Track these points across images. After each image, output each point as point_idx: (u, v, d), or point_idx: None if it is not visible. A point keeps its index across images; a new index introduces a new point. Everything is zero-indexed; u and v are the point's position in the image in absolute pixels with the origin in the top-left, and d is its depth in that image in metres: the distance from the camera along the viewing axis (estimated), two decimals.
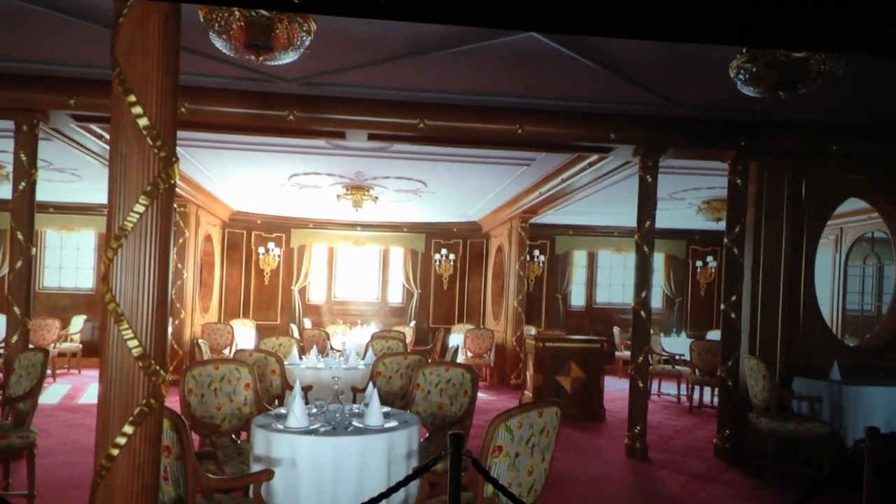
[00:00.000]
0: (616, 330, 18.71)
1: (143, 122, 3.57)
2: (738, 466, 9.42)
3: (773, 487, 8.43)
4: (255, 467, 5.27)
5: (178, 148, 4.76)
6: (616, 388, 15.48)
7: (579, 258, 21.18)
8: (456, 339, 17.98)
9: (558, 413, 4.60)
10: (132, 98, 3.57)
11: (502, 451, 4.28)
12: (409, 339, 17.25)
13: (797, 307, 9.99)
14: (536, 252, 20.50)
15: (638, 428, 9.84)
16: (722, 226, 10.20)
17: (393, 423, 5.58)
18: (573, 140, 9.77)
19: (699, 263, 21.02)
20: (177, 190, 14.32)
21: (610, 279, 21.29)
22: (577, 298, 21.23)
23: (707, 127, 9.67)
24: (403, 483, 4.01)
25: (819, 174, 10.02)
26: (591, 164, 11.37)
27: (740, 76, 6.35)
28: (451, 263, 20.97)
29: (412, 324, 20.31)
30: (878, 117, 9.36)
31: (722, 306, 10.09)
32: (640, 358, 9.87)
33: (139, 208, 3.55)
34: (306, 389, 8.72)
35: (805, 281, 10.02)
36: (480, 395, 14.86)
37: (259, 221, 20.33)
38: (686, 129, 9.66)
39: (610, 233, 20.47)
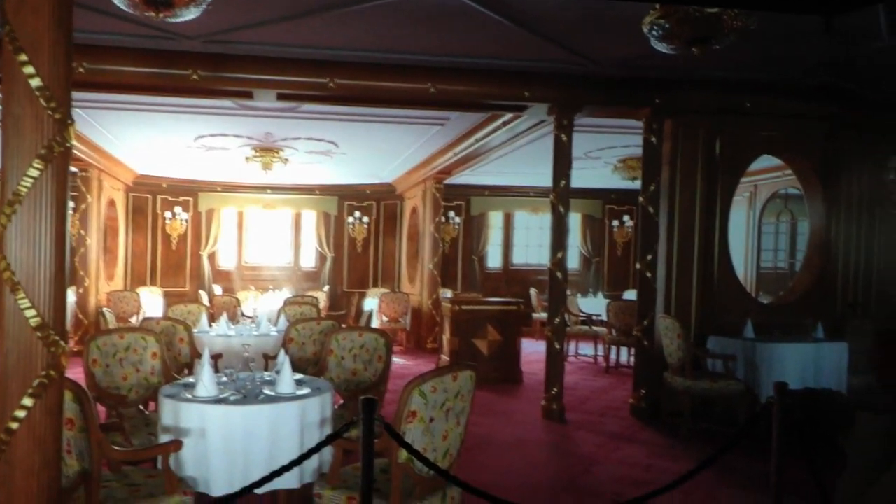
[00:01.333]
0: (533, 291, 18.98)
1: (35, 82, 3.48)
2: (654, 425, 9.70)
3: (689, 445, 8.71)
4: (164, 438, 5.24)
5: (76, 109, 4.66)
6: (533, 350, 15.72)
7: (495, 219, 21.37)
8: (371, 303, 18.00)
9: (473, 377, 4.67)
10: (23, 57, 3.48)
11: (416, 416, 4.34)
12: (322, 305, 17.22)
13: (711, 265, 10.27)
14: (452, 213, 20.61)
15: (555, 390, 10.05)
16: (638, 184, 10.39)
17: (305, 391, 5.59)
18: (487, 98, 9.82)
19: (616, 223, 21.41)
20: (77, 153, 14.08)
21: (527, 240, 21.54)
22: (494, 260, 21.45)
23: (622, 85, 9.83)
24: (315, 450, 4.05)
25: (733, 131, 10.28)
26: (505, 124, 11.46)
27: (653, 32, 6.45)
28: (365, 226, 20.95)
29: (326, 288, 20.28)
30: (791, 74, 9.63)
31: (637, 265, 10.32)
32: (557, 319, 10.05)
33: (33, 172, 3.48)
34: (216, 358, 8.65)
35: (719, 239, 10.30)
36: (397, 359, 14.94)
37: (165, 185, 19.96)
38: (601, 87, 9.80)
39: (526, 193, 20.66)
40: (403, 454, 4.32)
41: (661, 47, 6.60)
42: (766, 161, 11.75)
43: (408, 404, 4.33)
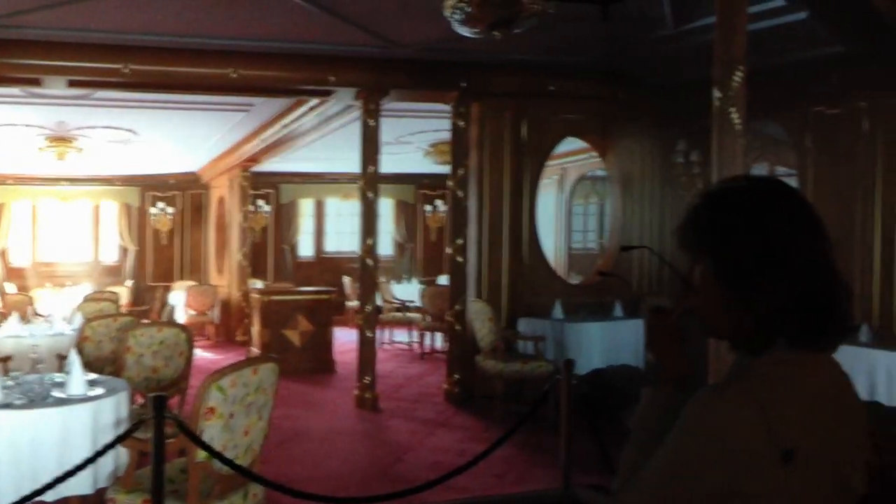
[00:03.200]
0: (347, 279, 18.90)
1: None
2: (468, 410, 9.86)
3: (502, 428, 8.89)
4: None
5: None
6: (348, 339, 15.65)
7: (307, 207, 21.18)
8: (177, 296, 17.49)
9: (276, 369, 4.60)
10: None
11: (215, 413, 4.23)
12: (125, 300, 16.61)
13: (521, 248, 10.50)
14: (261, 202, 20.21)
15: (367, 378, 10.06)
16: (449, 169, 10.51)
17: (98, 391, 5.34)
18: (291, 84, 9.72)
19: (429, 208, 21.58)
20: None
21: (339, 227, 21.42)
22: (306, 248, 21.26)
23: (429, 69, 9.90)
24: (101, 453, 3.88)
25: (538, 114, 10.53)
26: (312, 109, 11.32)
27: (455, 16, 6.49)
28: (170, 217, 20.28)
29: (129, 283, 19.55)
30: (590, 58, 9.95)
31: (448, 250, 10.44)
32: (368, 307, 10.06)
33: None
34: (5, 360, 8.18)
35: (528, 221, 10.56)
36: (205, 354, 14.64)
37: None
38: (407, 71, 9.84)
39: (338, 179, 20.50)
40: (202, 453, 4.21)
41: (464, 31, 6.66)
42: (573, 143, 12.11)
43: (205, 400, 4.21)
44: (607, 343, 9.55)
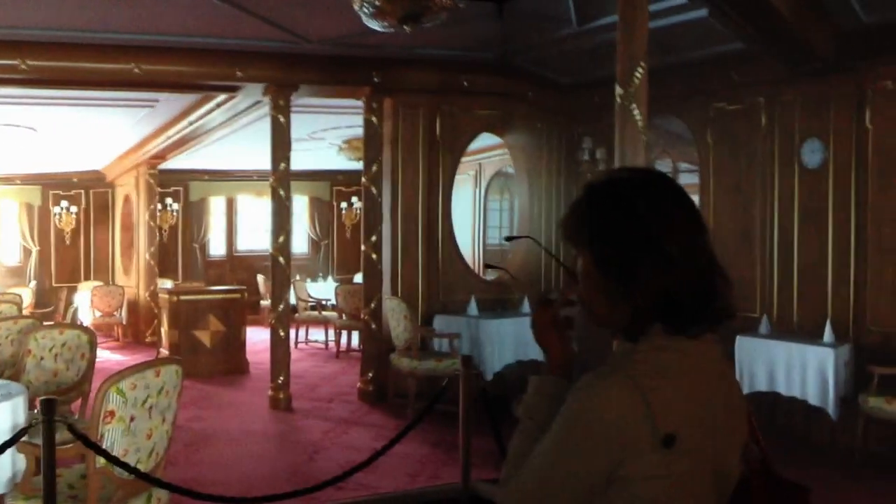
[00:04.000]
0: (261, 278, 18.71)
1: None
2: (383, 408, 9.87)
3: (415, 426, 8.92)
4: None
5: None
6: (263, 339, 15.49)
7: (217, 204, 20.93)
8: (83, 297, 17.13)
9: (179, 371, 4.54)
10: None
11: (115, 416, 4.16)
12: (28, 302, 16.21)
13: (436, 245, 10.52)
14: (169, 200, 19.88)
15: (281, 378, 9.99)
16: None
17: None
18: (197, 79, 9.60)
19: (344, 205, 21.49)
20: None
21: (252, 225, 21.19)
22: (218, 247, 21.00)
23: (339, 63, 9.86)
24: None
25: (452, 110, 10.55)
26: (219, 105, 11.17)
27: (364, 10, 6.49)
28: (74, 216, 19.81)
29: (32, 284, 19.06)
30: (501, 54, 10.02)
31: (363, 247, 10.43)
32: (281, 306, 10.00)
33: None
34: None
35: (443, 218, 10.58)
36: (112, 355, 14.40)
37: None
38: (317, 65, 9.79)
39: (249, 177, 20.24)
40: (101, 458, 4.15)
41: (374, 25, 6.66)
42: (490, 139, 12.18)
43: (104, 403, 4.14)
44: (519, 339, 9.66)
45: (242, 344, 12.85)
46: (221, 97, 10.73)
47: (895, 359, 7.63)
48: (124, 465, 4.04)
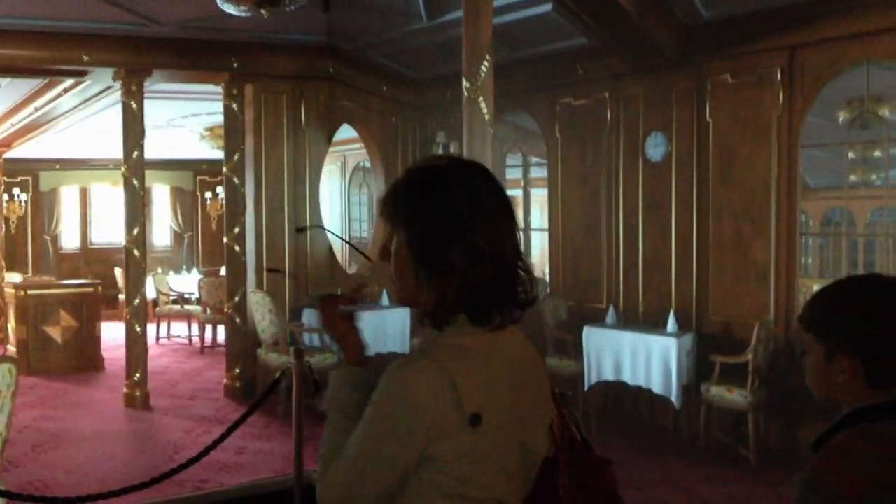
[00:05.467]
0: (119, 271, 18.22)
1: None
2: (250, 405, 9.77)
3: (285, 423, 8.89)
4: None
5: None
6: (120, 335, 15.23)
7: (70, 194, 20.35)
8: None
9: (12, 370, 4.45)
10: None
11: None
12: None
13: (303, 237, 10.45)
14: (17, 190, 19.20)
15: (137, 375, 9.83)
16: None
17: None
18: (40, 63, 9.33)
19: (209, 195, 21.09)
20: None
21: (108, 216, 20.58)
22: (71, 239, 20.43)
23: (195, 48, 9.69)
24: None
25: (317, 97, 10.51)
26: (66, 90, 10.87)
27: None
28: None
29: None
30: (372, 43, 10.05)
31: (225, 239, 10.33)
32: (137, 300, 9.82)
33: None
34: None
35: (310, 209, 10.56)
36: None
37: None
38: (171, 49, 9.60)
39: (105, 165, 19.63)
40: None
41: (229, 8, 6.62)
42: (350, 131, 12.22)
43: None
44: (378, 331, 9.79)
45: (97, 340, 12.51)
46: (69, 82, 10.43)
47: (736, 348, 7.99)
48: None
